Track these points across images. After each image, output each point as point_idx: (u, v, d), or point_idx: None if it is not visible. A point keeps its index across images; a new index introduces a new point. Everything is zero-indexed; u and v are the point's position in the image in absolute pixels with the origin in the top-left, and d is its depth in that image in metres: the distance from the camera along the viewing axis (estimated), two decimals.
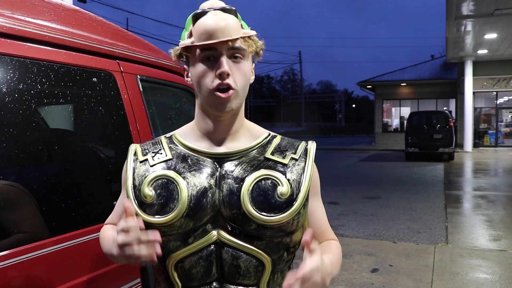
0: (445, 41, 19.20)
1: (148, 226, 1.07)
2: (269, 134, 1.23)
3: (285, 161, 1.15)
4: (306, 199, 1.13)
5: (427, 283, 4.55)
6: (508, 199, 9.61)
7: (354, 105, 75.76)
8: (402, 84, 28.42)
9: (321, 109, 66.63)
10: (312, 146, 1.21)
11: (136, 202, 1.11)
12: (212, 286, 1.10)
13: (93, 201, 1.68)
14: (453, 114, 25.27)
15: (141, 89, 1.96)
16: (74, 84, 1.65)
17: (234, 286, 1.10)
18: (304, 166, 1.16)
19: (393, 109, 29.89)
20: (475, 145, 23.92)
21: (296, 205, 1.11)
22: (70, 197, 1.57)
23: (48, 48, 1.55)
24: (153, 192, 1.10)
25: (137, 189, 1.12)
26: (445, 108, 26.16)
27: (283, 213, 1.09)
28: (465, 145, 22.75)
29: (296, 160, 1.16)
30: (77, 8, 1.85)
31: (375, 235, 6.57)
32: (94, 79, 1.73)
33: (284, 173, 1.13)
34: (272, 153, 1.16)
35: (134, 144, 1.24)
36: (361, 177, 13.54)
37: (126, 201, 1.04)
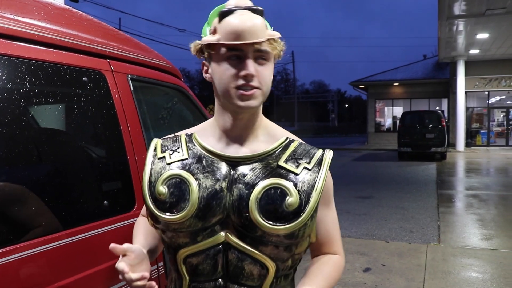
0: (437, 41, 19.30)
1: (160, 221, 1.13)
2: (287, 139, 1.21)
3: (298, 170, 1.14)
4: (315, 211, 1.13)
5: (419, 282, 4.57)
6: (500, 198, 9.67)
7: (347, 105, 75.98)
8: (394, 84, 28.54)
9: (314, 109, 66.71)
10: (328, 155, 1.19)
11: (151, 198, 1.15)
12: (217, 283, 1.14)
13: (84, 201, 1.67)
14: (446, 114, 25.40)
15: (132, 89, 1.95)
16: (65, 83, 1.64)
17: (238, 286, 1.13)
18: (316, 177, 1.15)
19: (385, 108, 30.00)
20: (467, 144, 24.07)
21: (304, 216, 1.11)
22: (60, 197, 1.56)
23: (38, 47, 1.54)
24: (166, 190, 1.13)
25: (152, 185, 1.16)
26: (437, 108, 26.30)
27: (290, 223, 1.09)
28: (458, 144, 22.89)
29: (309, 170, 1.15)
30: (67, 7, 1.84)
31: (368, 234, 6.59)
32: (85, 79, 1.72)
33: (295, 183, 1.12)
34: (286, 161, 1.15)
35: (157, 139, 1.26)
36: (354, 176, 13.58)
37: (112, 246, 1.09)
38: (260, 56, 1.10)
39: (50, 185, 1.56)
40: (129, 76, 1.97)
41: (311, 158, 1.17)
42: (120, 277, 1.07)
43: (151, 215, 1.17)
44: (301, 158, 1.16)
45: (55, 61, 1.58)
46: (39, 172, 1.57)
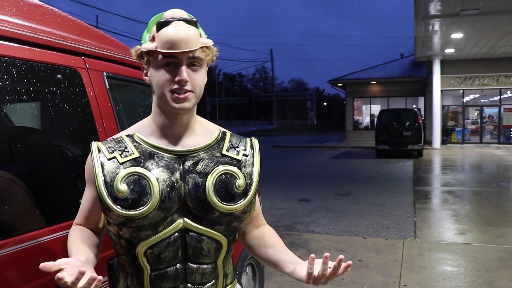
0: (414, 40, 19.59)
1: (123, 218, 1.19)
2: (220, 131, 1.38)
3: (239, 157, 1.33)
4: (256, 188, 1.32)
5: (396, 277, 4.65)
6: (474, 194, 9.89)
7: (325, 103, 76.52)
8: (372, 82, 28.86)
9: (292, 107, 67.01)
10: (255, 142, 1.39)
11: (110, 197, 1.20)
12: (178, 267, 1.25)
13: (58, 200, 1.65)
14: (422, 112, 25.80)
15: (107, 86, 1.94)
16: (38, 81, 1.62)
17: (196, 265, 1.27)
18: (253, 161, 1.34)
19: (363, 107, 30.32)
20: (443, 142, 24.51)
21: (251, 194, 1.30)
22: (34, 196, 1.54)
23: (10, 43, 1.51)
24: (126, 187, 1.20)
25: (109, 185, 1.21)
26: (414, 106, 26.70)
27: (241, 201, 1.27)
28: (434, 142, 23.28)
29: (247, 156, 1.34)
30: (41, 3, 1.81)
31: (346, 231, 6.67)
32: (59, 76, 1.70)
33: (239, 168, 1.30)
34: (227, 150, 1.33)
35: (95, 142, 1.32)
36: (332, 174, 13.70)
37: (42, 265, 1.02)
38: (193, 63, 1.21)
39: (23, 184, 1.54)
40: (105, 74, 1.96)
41: (245, 146, 1.36)
42: None
43: (109, 215, 1.21)
44: (238, 146, 1.35)
45: (28, 58, 1.56)
46: (12, 171, 1.55)
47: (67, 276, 1.00)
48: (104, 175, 1.22)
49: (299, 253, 5.15)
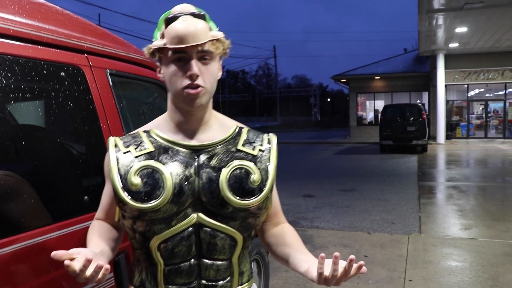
0: (418, 34, 19.49)
1: (136, 211, 1.20)
2: (237, 126, 1.37)
3: (255, 152, 1.31)
4: (273, 185, 1.30)
5: (401, 272, 4.64)
6: (479, 189, 9.86)
7: (329, 99, 76.34)
8: (376, 78, 28.75)
9: (296, 103, 66.90)
10: (273, 138, 1.37)
11: (124, 190, 1.21)
12: (191, 262, 1.24)
13: (63, 197, 1.65)
14: (426, 107, 25.70)
15: (111, 84, 1.94)
16: (42, 79, 1.62)
17: (210, 261, 1.25)
18: (270, 157, 1.32)
19: (367, 102, 30.22)
20: (448, 137, 24.41)
21: (266, 190, 1.28)
22: (39, 193, 1.55)
23: (13, 42, 1.52)
24: (140, 180, 1.21)
25: (123, 178, 1.22)
26: (418, 101, 26.59)
27: (256, 197, 1.25)
28: (438, 137, 23.20)
29: (263, 151, 1.32)
30: (43, 1, 1.81)
31: (350, 226, 6.66)
32: (62, 74, 1.70)
33: (255, 163, 1.28)
34: (243, 145, 1.31)
35: (113, 137, 1.33)
36: (336, 170, 13.68)
37: (54, 253, 1.03)
38: (203, 57, 1.21)
39: (28, 182, 1.55)
40: (108, 71, 1.96)
41: (262, 141, 1.34)
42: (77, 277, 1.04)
43: (123, 208, 1.23)
44: (254, 142, 1.33)
45: (31, 56, 1.56)
46: (16, 169, 1.55)
47: (76, 263, 1.01)
48: (118, 169, 1.24)
49: None
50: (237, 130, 1.35)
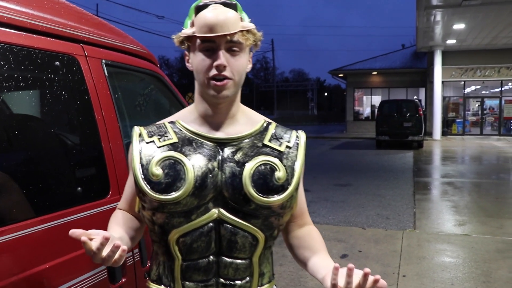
0: (416, 30, 19.48)
1: (156, 203, 1.17)
2: (265, 121, 1.32)
3: (281, 148, 1.26)
4: (298, 183, 1.26)
5: (395, 268, 4.66)
6: (474, 185, 9.90)
7: (326, 94, 76.31)
8: (373, 73, 28.76)
9: (293, 97, 66.82)
10: (302, 135, 1.32)
11: (144, 180, 1.19)
12: (210, 259, 1.21)
13: (57, 187, 1.64)
14: (423, 103, 25.73)
15: (106, 74, 1.92)
16: (36, 68, 1.60)
17: (230, 259, 1.22)
18: (297, 154, 1.27)
19: (364, 97, 30.25)
20: (444, 133, 24.49)
21: (291, 188, 1.23)
22: (32, 183, 1.53)
23: (7, 30, 1.49)
24: (161, 171, 1.18)
25: (144, 168, 1.20)
26: (415, 97, 26.62)
27: (280, 195, 1.21)
28: (434, 133, 23.26)
29: (290, 148, 1.28)
30: None
31: (345, 221, 6.68)
32: (57, 63, 1.68)
33: (280, 160, 1.24)
34: (270, 140, 1.27)
35: (138, 127, 1.30)
36: (332, 164, 13.70)
37: (72, 231, 1.03)
38: (232, 47, 1.17)
39: (21, 172, 1.53)
40: (104, 61, 1.94)
41: (290, 138, 1.29)
42: (93, 257, 1.04)
43: (143, 198, 1.21)
44: (282, 138, 1.28)
45: (25, 45, 1.54)
46: (10, 159, 1.54)
47: (93, 242, 1.01)
48: (140, 158, 1.21)
49: None
50: (264, 125, 1.31)
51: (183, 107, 2.59)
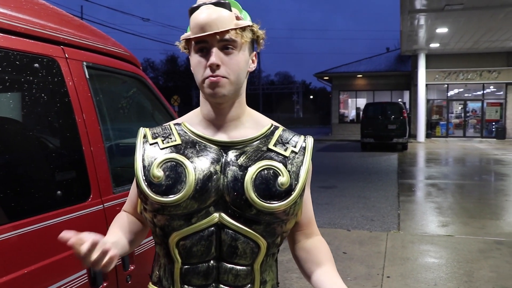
0: (400, 34, 19.69)
1: (156, 205, 1.16)
2: (272, 125, 1.30)
3: (286, 153, 1.24)
4: (303, 190, 1.23)
5: (379, 269, 4.69)
6: (457, 186, 10.01)
7: (311, 96, 76.61)
8: (358, 76, 28.98)
9: (279, 100, 66.96)
10: (309, 140, 1.30)
11: (146, 182, 1.18)
12: (210, 264, 1.19)
13: (36, 191, 1.62)
14: (407, 106, 26.01)
15: (87, 76, 1.90)
16: (14, 70, 1.58)
17: (230, 265, 1.19)
18: (303, 160, 1.25)
19: (349, 100, 30.46)
20: (428, 135, 24.76)
21: (294, 195, 1.20)
22: (11, 187, 1.51)
23: None
24: (162, 173, 1.17)
25: (146, 169, 1.19)
26: (399, 100, 26.90)
27: (282, 201, 1.18)
28: (418, 135, 23.50)
29: (296, 153, 1.25)
30: None
31: (330, 223, 6.70)
32: (36, 65, 1.66)
33: (285, 165, 1.21)
34: (275, 145, 1.24)
35: (143, 128, 1.30)
36: (317, 167, 13.71)
37: (61, 235, 1.03)
38: (226, 46, 1.15)
39: (0, 175, 1.51)
40: (85, 63, 1.92)
41: (296, 143, 1.27)
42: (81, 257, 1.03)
43: (144, 200, 1.20)
44: (288, 143, 1.26)
45: (3, 46, 1.52)
46: None
47: (82, 246, 1.00)
48: (143, 159, 1.21)
49: (284, 246, 5.15)
50: (271, 129, 1.28)
51: (166, 110, 2.58)
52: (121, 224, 1.32)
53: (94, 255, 1.02)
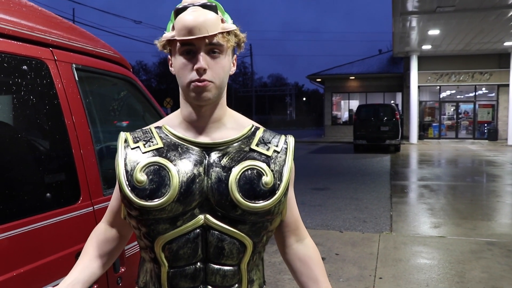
0: (392, 36, 19.78)
1: (140, 209, 1.15)
2: (253, 126, 1.30)
3: (269, 153, 1.24)
4: (287, 189, 1.24)
5: (371, 270, 4.70)
6: (449, 188, 10.06)
7: (304, 98, 76.63)
8: (351, 78, 29.06)
9: (272, 102, 67.04)
10: (290, 140, 1.30)
11: (129, 187, 1.17)
12: (197, 266, 1.19)
13: (25, 194, 1.61)
14: (400, 107, 26.11)
15: (76, 78, 1.90)
16: (3, 72, 1.57)
17: (218, 266, 1.19)
18: (285, 159, 1.25)
19: (342, 102, 30.53)
20: (420, 137, 24.87)
21: (279, 194, 1.20)
22: (0, 190, 1.50)
23: None
24: (145, 177, 1.16)
25: (129, 174, 1.18)
26: (392, 101, 27.00)
27: (267, 200, 1.18)
28: (411, 137, 23.60)
29: (278, 152, 1.25)
30: None
31: (323, 225, 6.71)
32: (25, 67, 1.65)
33: (268, 164, 1.21)
34: (257, 145, 1.24)
35: (124, 133, 1.28)
36: (310, 168, 13.76)
37: None
38: (213, 49, 1.15)
39: None
40: (74, 65, 1.91)
41: (278, 142, 1.27)
42: None
43: (128, 205, 1.19)
44: (270, 142, 1.26)
45: None
46: None
47: None
48: (125, 164, 1.19)
49: (275, 247, 5.15)
50: (252, 129, 1.28)
51: (157, 112, 2.58)
52: (93, 247, 1.31)
53: None
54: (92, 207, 1.84)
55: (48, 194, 1.65)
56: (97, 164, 1.92)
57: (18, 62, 1.63)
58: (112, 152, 2.48)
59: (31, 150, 1.77)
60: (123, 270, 1.98)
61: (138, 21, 33.09)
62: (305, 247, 1.36)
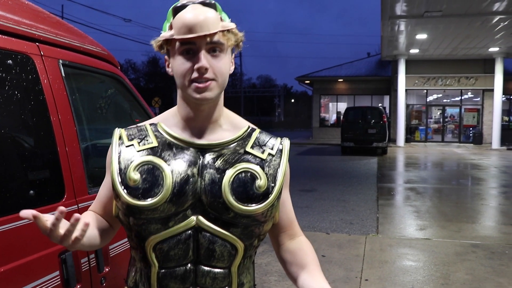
0: (380, 39, 19.92)
1: (132, 208, 1.14)
2: (249, 127, 1.29)
3: (264, 156, 1.23)
4: (280, 192, 1.23)
5: (357, 272, 4.71)
6: (435, 190, 10.15)
7: (293, 100, 76.85)
8: (339, 80, 29.20)
9: (260, 104, 67.13)
10: (286, 142, 1.29)
11: (122, 185, 1.15)
12: (187, 267, 1.17)
13: (7, 191, 1.58)
14: (387, 110, 26.30)
15: (63, 75, 1.86)
16: None
17: (208, 268, 1.18)
18: (280, 162, 1.25)
19: (330, 104, 30.67)
20: (407, 140, 25.08)
21: (272, 197, 1.19)
22: None
23: None
24: (139, 176, 1.14)
25: (122, 172, 1.17)
26: (379, 104, 27.17)
27: (260, 204, 1.17)
28: (398, 140, 23.78)
29: (273, 155, 1.24)
30: None
31: (309, 226, 6.72)
32: (10, 62, 1.62)
33: (262, 167, 1.20)
34: (252, 147, 1.23)
35: (119, 129, 1.26)
36: (297, 170, 13.78)
37: (22, 213, 0.96)
38: (213, 48, 1.13)
39: None
40: (61, 61, 1.88)
41: (273, 145, 1.26)
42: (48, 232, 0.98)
43: (120, 203, 1.17)
44: (265, 145, 1.25)
45: None
46: None
47: (48, 221, 0.95)
48: (119, 162, 1.18)
49: (263, 248, 5.15)
50: (248, 131, 1.27)
51: (144, 110, 2.55)
52: (95, 219, 1.28)
53: (63, 228, 0.97)
54: (76, 205, 1.81)
55: (31, 192, 1.62)
56: (83, 162, 1.89)
57: (3, 57, 1.59)
58: (98, 151, 2.45)
59: (15, 146, 1.74)
60: (107, 270, 1.95)
61: (128, 19, 32.91)
62: (298, 242, 1.34)
